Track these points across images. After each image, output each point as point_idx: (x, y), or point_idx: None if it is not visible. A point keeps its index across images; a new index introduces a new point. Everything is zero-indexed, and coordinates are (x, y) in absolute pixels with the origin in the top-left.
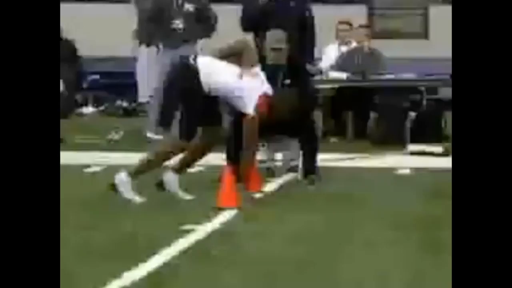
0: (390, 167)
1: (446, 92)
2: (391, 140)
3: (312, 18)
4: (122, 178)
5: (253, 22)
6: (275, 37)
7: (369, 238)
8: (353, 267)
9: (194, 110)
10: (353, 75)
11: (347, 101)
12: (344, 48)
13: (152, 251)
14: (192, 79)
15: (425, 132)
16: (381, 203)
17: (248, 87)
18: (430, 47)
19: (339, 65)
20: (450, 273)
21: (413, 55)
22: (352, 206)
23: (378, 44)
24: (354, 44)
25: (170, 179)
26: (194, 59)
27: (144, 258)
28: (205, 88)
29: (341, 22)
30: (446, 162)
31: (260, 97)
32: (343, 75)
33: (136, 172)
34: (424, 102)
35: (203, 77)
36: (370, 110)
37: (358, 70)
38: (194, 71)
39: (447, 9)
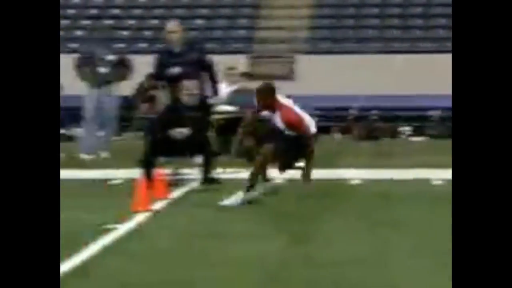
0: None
1: None
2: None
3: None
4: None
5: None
6: (190, 86)
7: (246, 231)
8: (235, 253)
9: None
10: (240, 108)
11: (233, 128)
12: (231, 87)
13: (78, 247)
14: None
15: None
16: (262, 205)
17: None
18: (296, 86)
19: (229, 101)
20: (311, 260)
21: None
22: (241, 208)
23: (258, 84)
24: (238, 84)
25: None
26: None
27: (70, 253)
28: None
29: (231, 68)
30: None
31: None
32: (232, 108)
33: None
34: None
35: None
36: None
37: (243, 104)
38: None
39: (310, 57)
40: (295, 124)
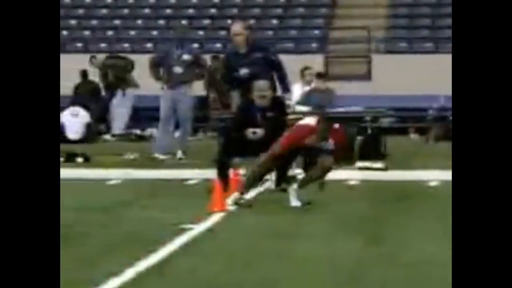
0: (343, 179)
1: (385, 121)
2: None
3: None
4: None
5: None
6: (261, 87)
7: (320, 232)
8: (309, 253)
9: None
10: (314, 108)
11: None
12: (306, 88)
13: (154, 246)
14: None
15: (369, 152)
16: (336, 206)
17: None
18: (372, 87)
19: (303, 101)
20: (388, 261)
21: (360, 93)
22: (315, 208)
23: (333, 84)
24: (313, 84)
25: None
26: None
27: (147, 252)
28: None
29: (306, 68)
30: (386, 175)
31: None
32: (306, 108)
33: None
34: (368, 129)
35: None
36: None
37: (317, 104)
38: None
39: (386, 57)
40: (341, 141)
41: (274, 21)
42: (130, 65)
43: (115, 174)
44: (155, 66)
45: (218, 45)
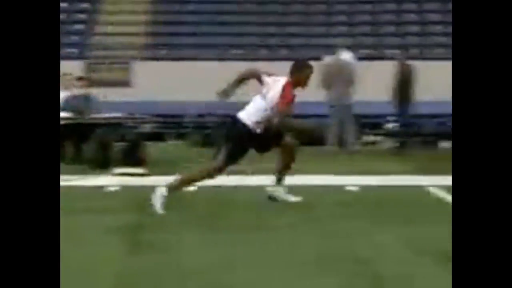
0: (100, 185)
1: (145, 128)
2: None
3: None
4: (160, 192)
5: None
6: None
7: (83, 237)
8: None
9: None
10: (73, 113)
11: (69, 135)
12: (66, 93)
13: None
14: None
15: (129, 158)
16: (95, 213)
17: None
18: (133, 93)
19: (62, 106)
20: (161, 270)
21: (121, 99)
22: (71, 214)
23: (94, 90)
24: (73, 90)
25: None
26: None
27: None
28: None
29: (65, 74)
30: (148, 181)
31: None
32: (67, 114)
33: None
34: (128, 135)
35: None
36: (88, 141)
37: (78, 111)
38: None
39: (146, 63)
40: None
41: None
42: None
43: None
44: None
45: None
